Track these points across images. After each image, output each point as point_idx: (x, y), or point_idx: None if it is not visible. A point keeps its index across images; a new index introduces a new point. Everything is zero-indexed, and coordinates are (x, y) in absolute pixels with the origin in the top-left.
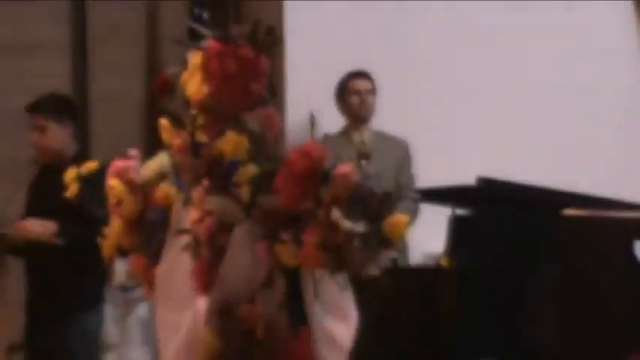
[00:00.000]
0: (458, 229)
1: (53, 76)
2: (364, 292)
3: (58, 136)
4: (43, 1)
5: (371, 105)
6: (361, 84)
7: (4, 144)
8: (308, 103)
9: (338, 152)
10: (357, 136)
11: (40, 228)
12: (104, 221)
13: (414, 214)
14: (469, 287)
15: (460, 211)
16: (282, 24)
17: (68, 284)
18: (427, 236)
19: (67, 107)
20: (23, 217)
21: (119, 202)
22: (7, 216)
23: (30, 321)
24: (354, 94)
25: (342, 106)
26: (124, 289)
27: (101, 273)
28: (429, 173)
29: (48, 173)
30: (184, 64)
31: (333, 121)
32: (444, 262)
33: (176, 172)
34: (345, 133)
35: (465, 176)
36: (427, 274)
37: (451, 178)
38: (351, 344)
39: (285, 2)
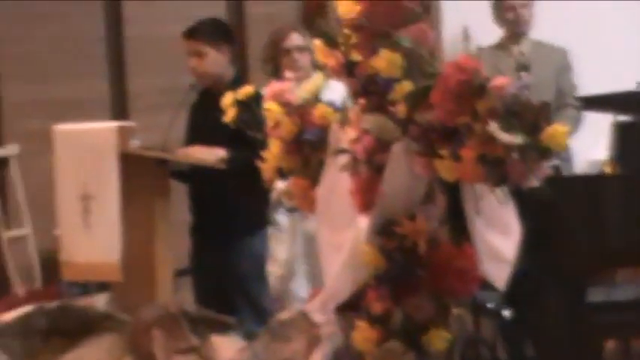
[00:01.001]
0: (621, 135)
1: (209, 1)
2: (526, 203)
3: (216, 60)
4: None
5: (527, 19)
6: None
7: (164, 70)
8: (464, 18)
9: (496, 64)
10: (515, 48)
11: (204, 153)
12: (263, 144)
13: (576, 122)
14: (634, 192)
15: (622, 118)
16: None
17: (234, 209)
18: (590, 143)
19: (224, 32)
20: (185, 141)
21: (277, 124)
22: (169, 141)
23: (196, 245)
24: (509, 9)
25: (499, 20)
26: (290, 210)
27: (264, 195)
28: (589, 80)
29: (207, 99)
30: None
31: (491, 33)
32: (607, 169)
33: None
34: (503, 45)
35: (624, 83)
36: (591, 180)
37: (611, 85)
38: (515, 257)
39: None
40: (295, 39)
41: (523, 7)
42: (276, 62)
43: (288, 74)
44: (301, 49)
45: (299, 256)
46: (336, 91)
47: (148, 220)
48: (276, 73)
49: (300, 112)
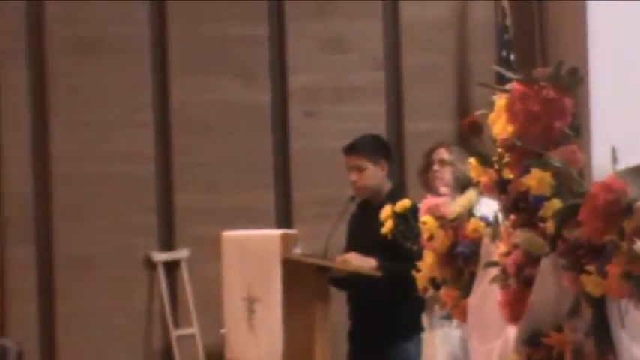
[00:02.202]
0: None
1: (369, 117)
2: None
3: (375, 175)
4: (359, 50)
5: None
6: None
7: (326, 182)
8: (613, 139)
9: None
10: None
11: (362, 261)
12: (418, 255)
13: None
14: None
15: None
16: (587, 63)
17: (389, 315)
18: None
19: (383, 147)
20: (344, 249)
21: (431, 237)
22: (330, 249)
23: (353, 349)
24: None
25: None
26: (444, 317)
27: (418, 304)
28: None
29: (366, 210)
30: (491, 105)
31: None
32: None
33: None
34: None
35: None
36: None
37: None
38: None
39: (589, 42)
40: (441, 153)
41: None
42: (427, 174)
43: (442, 190)
44: (443, 163)
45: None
46: (488, 206)
47: (309, 323)
48: (427, 185)
49: (453, 225)
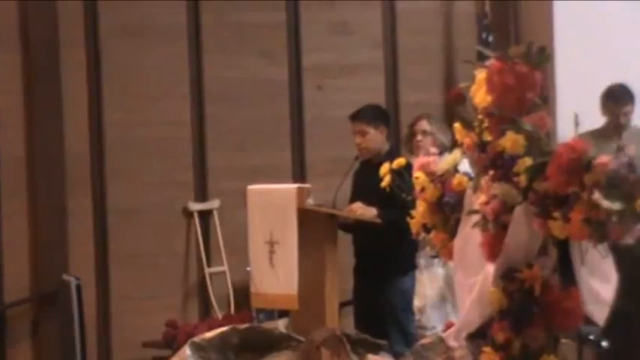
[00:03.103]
0: None
1: (370, 90)
2: (622, 257)
3: (376, 138)
4: (361, 33)
5: (629, 122)
6: (621, 108)
7: (335, 145)
8: (575, 107)
9: (600, 145)
10: (615, 138)
11: (364, 210)
12: (412, 205)
13: None
14: None
15: None
16: (553, 43)
17: (388, 254)
18: None
19: (382, 115)
20: (350, 201)
21: (423, 189)
22: (337, 200)
23: (358, 283)
24: (611, 114)
25: (604, 113)
26: (433, 256)
27: (413, 245)
28: None
29: (367, 167)
30: (473, 79)
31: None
32: None
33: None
34: (606, 133)
35: None
36: None
37: None
38: (613, 300)
39: (554, 25)
40: (423, 124)
41: (628, 114)
42: (410, 143)
43: (432, 150)
44: (425, 133)
45: (437, 293)
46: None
47: (320, 262)
48: (412, 151)
49: (441, 180)
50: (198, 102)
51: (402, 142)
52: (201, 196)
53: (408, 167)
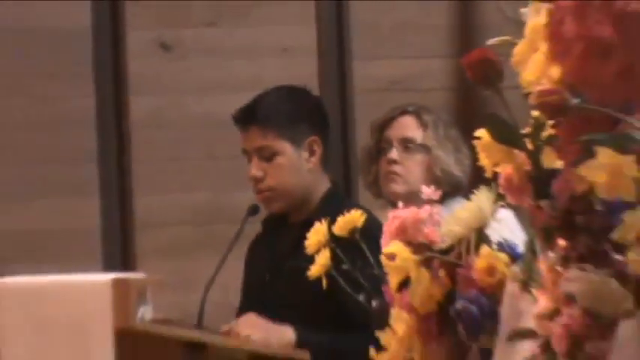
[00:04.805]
0: None
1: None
2: None
3: (296, 165)
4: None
5: None
6: None
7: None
8: None
9: None
10: None
11: (268, 334)
12: (377, 319)
13: None
14: None
15: None
16: None
17: None
18: None
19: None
20: (239, 310)
21: (405, 283)
22: (208, 310)
23: None
24: None
25: None
26: None
27: None
28: None
29: (279, 233)
30: (515, 27)
31: None
32: None
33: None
34: None
35: None
36: None
37: None
38: None
39: None
40: (404, 128)
41: None
42: (378, 168)
43: (426, 188)
44: (408, 147)
45: None
46: (512, 225)
47: None
48: (379, 192)
49: (447, 261)
50: None
51: (360, 169)
52: None
53: (371, 231)
